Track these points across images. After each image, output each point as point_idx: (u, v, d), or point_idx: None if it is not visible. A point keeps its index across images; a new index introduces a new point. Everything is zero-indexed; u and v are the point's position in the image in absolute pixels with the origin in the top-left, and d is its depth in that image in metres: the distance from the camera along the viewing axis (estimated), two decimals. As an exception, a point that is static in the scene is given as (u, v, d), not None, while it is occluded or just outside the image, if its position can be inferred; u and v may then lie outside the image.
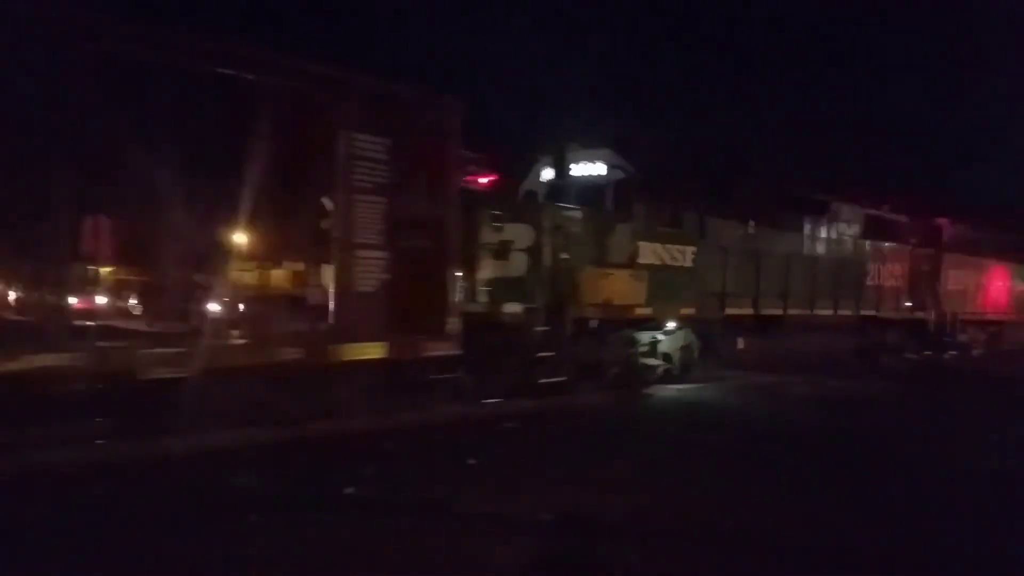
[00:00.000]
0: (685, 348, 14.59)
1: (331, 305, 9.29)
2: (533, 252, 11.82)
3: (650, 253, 13.55)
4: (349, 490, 6.78)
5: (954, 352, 21.84)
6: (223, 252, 9.44)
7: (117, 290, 9.53)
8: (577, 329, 12.40)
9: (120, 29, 7.59)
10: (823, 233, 17.53)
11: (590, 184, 13.85)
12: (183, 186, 8.05)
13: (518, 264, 11.63)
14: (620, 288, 12.98)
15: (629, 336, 13.69)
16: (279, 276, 10.75)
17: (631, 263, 13.21)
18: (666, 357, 14.33)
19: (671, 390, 13.69)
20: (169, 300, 8.81)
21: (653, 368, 14.15)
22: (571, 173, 13.64)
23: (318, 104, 9.31)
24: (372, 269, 9.59)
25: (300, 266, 10.65)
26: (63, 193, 7.14)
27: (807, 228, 17.17)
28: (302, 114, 9.26)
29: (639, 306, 13.31)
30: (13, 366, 6.72)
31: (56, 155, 7.11)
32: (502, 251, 11.42)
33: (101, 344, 7.44)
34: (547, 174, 14.10)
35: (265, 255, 10.55)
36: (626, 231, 13.25)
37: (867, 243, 18.83)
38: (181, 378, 7.67)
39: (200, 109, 8.45)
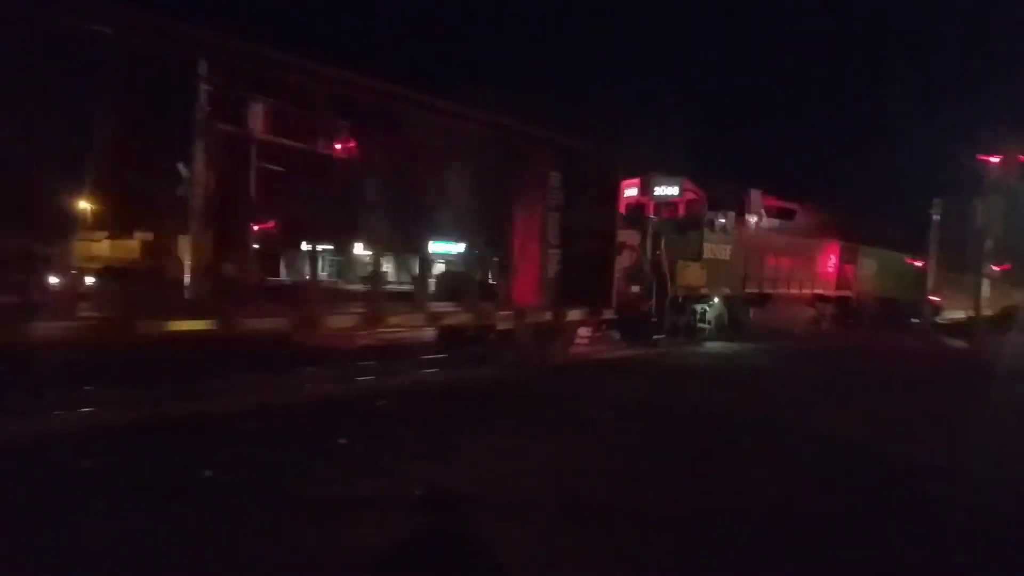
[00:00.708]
0: (718, 316, 20.14)
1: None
2: (641, 250, 17.61)
3: (708, 250, 19.35)
4: (207, 473, 6.33)
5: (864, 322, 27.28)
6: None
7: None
8: (670, 303, 17.94)
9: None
10: (792, 230, 23.93)
11: (667, 201, 19.88)
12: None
13: (632, 258, 17.39)
14: (694, 275, 18.83)
15: (693, 308, 19.40)
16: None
17: (699, 257, 19.06)
18: (709, 323, 19.85)
19: (715, 345, 18.92)
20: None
21: (703, 329, 19.70)
22: (654, 192, 19.61)
23: (524, 151, 13.59)
24: (553, 261, 13.73)
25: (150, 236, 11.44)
26: None
27: (780, 225, 23.48)
28: (512, 156, 13.50)
29: (704, 287, 19.31)
30: None
31: None
32: (621, 249, 16.13)
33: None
34: (630, 192, 19.20)
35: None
36: (696, 235, 19.19)
37: (815, 238, 24.80)
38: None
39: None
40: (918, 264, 31.47)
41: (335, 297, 13.14)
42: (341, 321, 11.40)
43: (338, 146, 15.37)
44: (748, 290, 20.75)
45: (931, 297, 30.81)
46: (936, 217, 30.76)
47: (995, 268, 22.88)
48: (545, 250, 13.54)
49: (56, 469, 6.26)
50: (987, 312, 22.41)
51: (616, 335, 17.10)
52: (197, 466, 6.38)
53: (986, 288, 22.42)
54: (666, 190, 19.56)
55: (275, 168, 18.09)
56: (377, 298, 12.00)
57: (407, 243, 14.57)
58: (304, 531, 5.12)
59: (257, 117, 17.56)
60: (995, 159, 23.40)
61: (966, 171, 23.98)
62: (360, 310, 11.65)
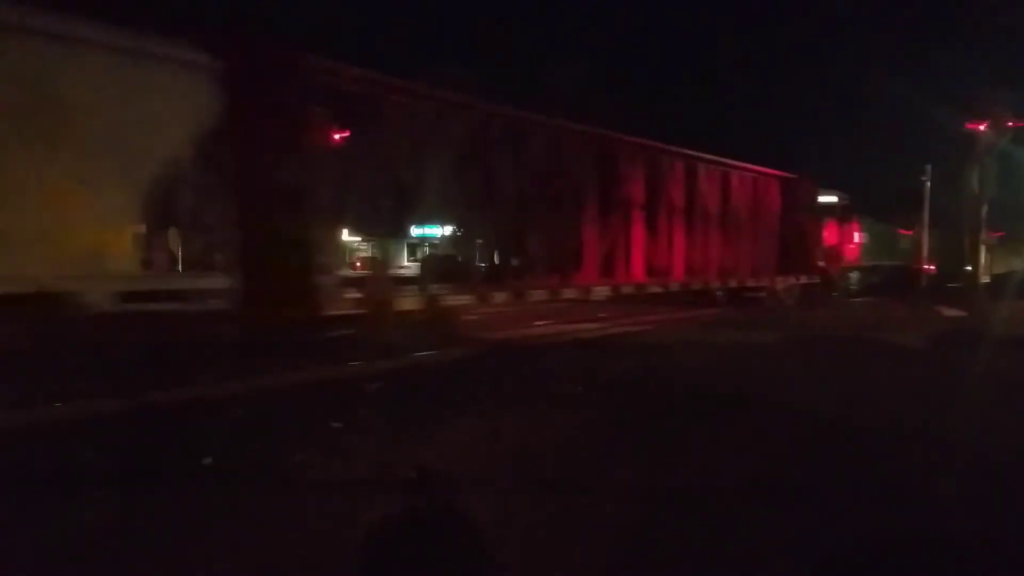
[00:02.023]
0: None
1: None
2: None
3: (859, 236, 29.85)
4: (206, 460, 6.05)
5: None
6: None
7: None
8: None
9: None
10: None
11: (829, 205, 27.02)
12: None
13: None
14: (852, 254, 29.32)
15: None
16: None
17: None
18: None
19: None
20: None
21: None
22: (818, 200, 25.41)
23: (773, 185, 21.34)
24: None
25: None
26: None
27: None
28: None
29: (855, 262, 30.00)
30: None
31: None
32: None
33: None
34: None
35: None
36: (851, 228, 29.00)
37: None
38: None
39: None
40: (908, 233, 31.37)
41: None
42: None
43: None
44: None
45: (925, 266, 30.68)
46: (927, 184, 30.57)
47: (991, 234, 22.65)
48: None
49: (46, 460, 6.12)
50: (984, 279, 22.17)
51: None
52: (189, 454, 6.18)
53: (984, 254, 22.17)
54: (827, 197, 26.94)
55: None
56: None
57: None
58: (297, 514, 5.01)
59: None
60: (983, 126, 23.11)
61: (956, 138, 23.68)
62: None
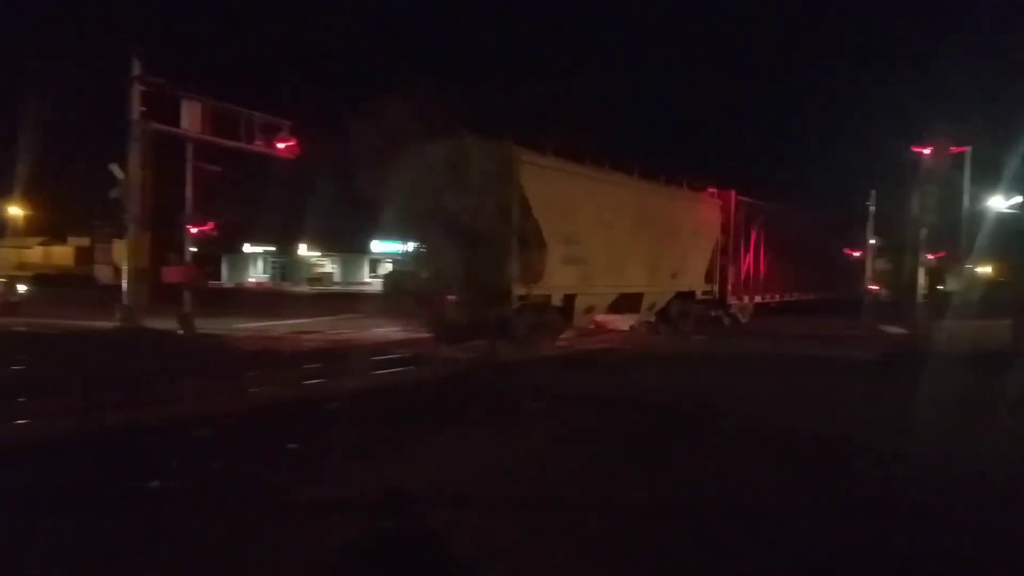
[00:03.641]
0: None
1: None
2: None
3: None
4: (154, 483, 6.10)
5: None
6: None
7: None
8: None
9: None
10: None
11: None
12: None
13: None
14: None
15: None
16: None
17: None
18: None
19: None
20: None
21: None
22: None
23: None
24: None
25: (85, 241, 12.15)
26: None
27: None
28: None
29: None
30: None
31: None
32: None
33: None
34: None
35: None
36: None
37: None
38: None
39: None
40: (856, 254, 32.34)
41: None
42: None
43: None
44: None
45: (870, 286, 31.73)
46: (872, 208, 31.66)
47: (930, 256, 23.54)
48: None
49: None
50: (922, 297, 23.05)
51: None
52: (142, 476, 6.18)
53: (922, 275, 23.03)
54: None
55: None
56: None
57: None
58: (254, 538, 4.98)
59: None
60: (927, 150, 23.99)
61: (901, 163, 24.58)
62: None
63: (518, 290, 14.82)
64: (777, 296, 25.70)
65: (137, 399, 9.53)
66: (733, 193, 22.65)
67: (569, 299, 16.37)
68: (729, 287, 22.52)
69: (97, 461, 6.76)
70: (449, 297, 15.26)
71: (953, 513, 5.64)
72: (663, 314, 20.53)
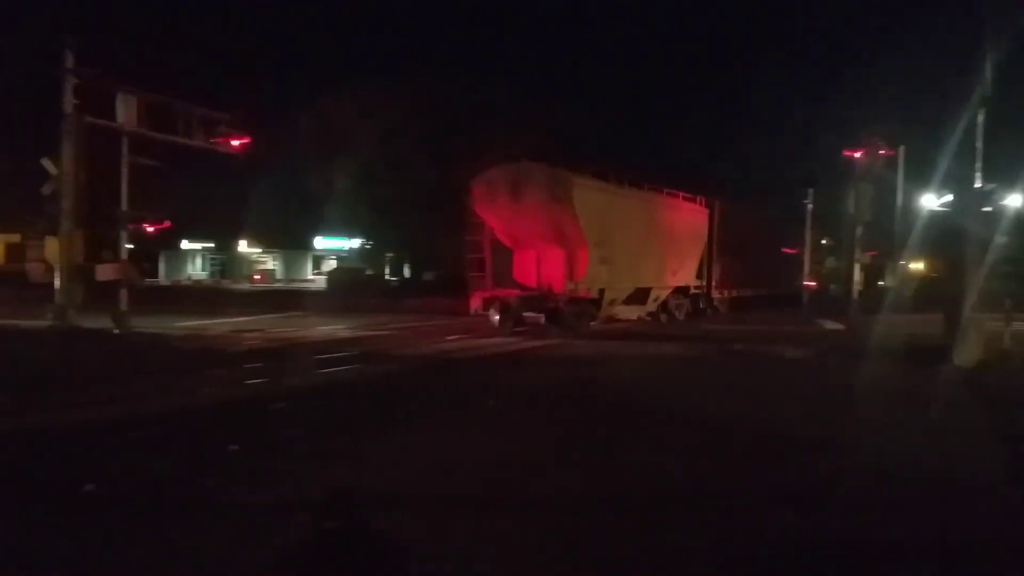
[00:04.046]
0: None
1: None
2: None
3: None
4: (88, 487, 5.89)
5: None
6: None
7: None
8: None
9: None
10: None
11: None
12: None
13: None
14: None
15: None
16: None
17: None
18: None
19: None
20: None
21: None
22: None
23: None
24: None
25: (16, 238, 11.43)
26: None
27: None
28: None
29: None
30: None
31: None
32: None
33: None
34: None
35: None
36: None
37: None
38: None
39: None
40: (793, 252, 33.07)
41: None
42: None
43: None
44: None
45: (807, 283, 32.47)
46: (810, 206, 32.38)
47: (866, 254, 24.20)
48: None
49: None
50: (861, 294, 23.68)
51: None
52: (78, 479, 6.00)
53: (857, 272, 23.65)
54: None
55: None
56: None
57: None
58: (191, 543, 4.87)
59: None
60: (859, 153, 24.66)
61: (839, 161, 25.20)
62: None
63: (568, 285, 18.84)
64: (748, 291, 28.95)
65: (70, 400, 9.28)
66: (718, 202, 26.25)
67: (600, 293, 19.86)
68: (714, 283, 26.43)
69: (26, 465, 6.56)
70: (514, 291, 19.68)
71: (870, 501, 5.79)
72: (663, 305, 24.08)
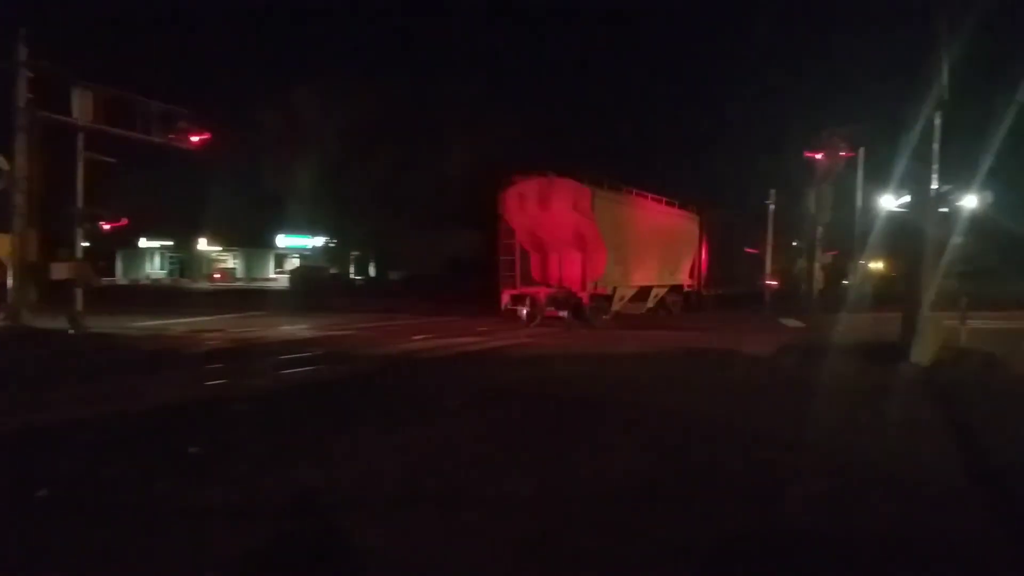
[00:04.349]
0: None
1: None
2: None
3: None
4: (41, 492, 5.71)
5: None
6: None
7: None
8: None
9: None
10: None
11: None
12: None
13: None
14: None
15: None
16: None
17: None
18: None
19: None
20: None
21: None
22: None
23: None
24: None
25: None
26: None
27: None
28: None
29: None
30: None
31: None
32: None
33: None
34: None
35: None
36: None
37: None
38: None
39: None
40: (755, 252, 33.47)
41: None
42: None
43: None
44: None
45: (768, 282, 32.85)
46: (772, 207, 32.75)
47: (827, 253, 24.57)
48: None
49: None
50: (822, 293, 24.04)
51: None
52: (28, 484, 5.85)
53: (818, 271, 24.02)
54: None
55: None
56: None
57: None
58: (149, 547, 4.76)
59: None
60: (819, 155, 25.00)
61: (799, 165, 25.58)
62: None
63: (589, 284, 21.73)
64: (732, 289, 31.83)
65: (23, 401, 9.04)
66: (706, 211, 29.15)
67: (613, 291, 22.52)
68: (702, 281, 29.44)
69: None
70: (542, 289, 22.25)
71: (821, 496, 5.85)
72: (661, 301, 26.67)
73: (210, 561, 4.56)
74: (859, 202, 24.90)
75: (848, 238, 26.11)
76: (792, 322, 23.32)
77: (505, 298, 22.65)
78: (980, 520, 5.45)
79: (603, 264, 21.62)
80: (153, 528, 5.11)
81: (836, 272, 28.31)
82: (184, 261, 68.27)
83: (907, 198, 23.53)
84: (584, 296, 21.52)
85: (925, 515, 5.50)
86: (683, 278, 28.09)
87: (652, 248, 24.87)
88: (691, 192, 32.24)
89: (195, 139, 20.31)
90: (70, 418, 8.33)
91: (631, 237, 23.34)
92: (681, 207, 27.68)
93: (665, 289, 26.67)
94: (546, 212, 21.80)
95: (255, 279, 64.60)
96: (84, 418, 8.34)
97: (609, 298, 22.53)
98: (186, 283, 59.89)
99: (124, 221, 19.66)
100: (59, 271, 18.51)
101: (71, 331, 17.61)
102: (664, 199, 26.30)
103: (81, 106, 18.22)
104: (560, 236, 22.33)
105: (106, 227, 20.43)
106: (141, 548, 4.78)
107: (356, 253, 55.38)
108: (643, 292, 24.94)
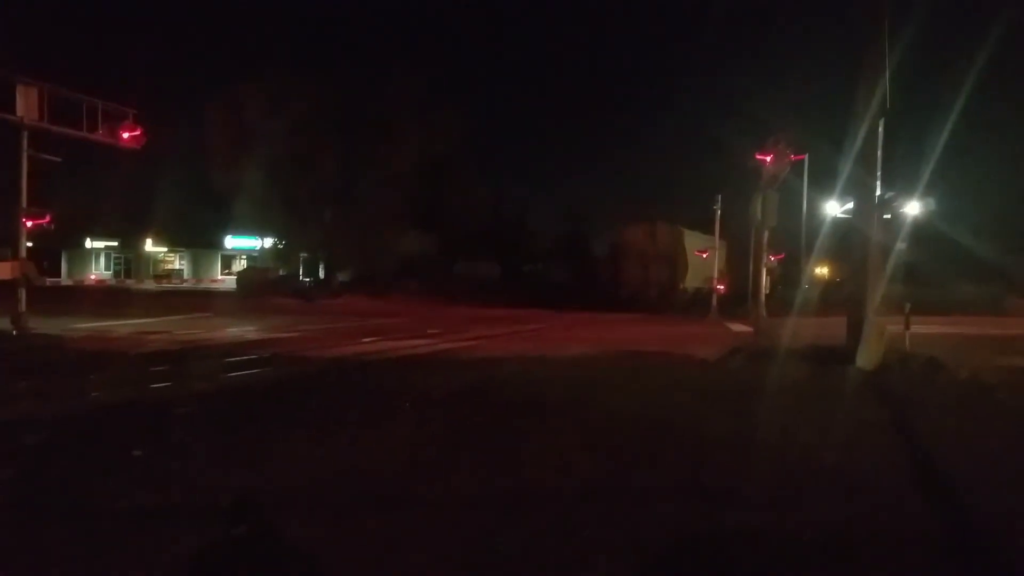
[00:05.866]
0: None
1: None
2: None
3: None
4: None
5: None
6: None
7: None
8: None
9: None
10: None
11: None
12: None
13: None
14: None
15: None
16: None
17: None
18: None
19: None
20: None
21: None
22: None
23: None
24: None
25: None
26: None
27: None
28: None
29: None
30: None
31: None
32: None
33: None
34: None
35: None
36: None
37: None
38: None
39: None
40: (704, 255, 34.07)
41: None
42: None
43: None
44: None
45: (716, 285, 33.40)
46: (718, 211, 33.33)
47: (772, 258, 25.03)
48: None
49: None
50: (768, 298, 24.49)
51: None
52: None
53: (764, 276, 24.48)
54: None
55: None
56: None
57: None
58: (87, 551, 4.68)
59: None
60: (768, 158, 25.46)
61: (747, 169, 25.97)
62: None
63: (680, 285, 39.47)
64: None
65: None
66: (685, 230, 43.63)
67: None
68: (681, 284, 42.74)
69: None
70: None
71: (764, 496, 5.96)
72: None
73: (147, 563, 4.50)
74: (804, 207, 25.47)
75: (792, 246, 26.68)
76: (738, 326, 23.74)
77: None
78: (919, 519, 5.60)
79: (686, 271, 41.17)
80: (92, 530, 5.01)
81: (783, 277, 28.89)
82: (130, 261, 66.86)
83: (851, 204, 24.17)
84: (677, 292, 39.54)
85: (866, 514, 5.64)
86: (700, 281, 40.96)
87: (695, 260, 41.43)
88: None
89: (141, 138, 19.93)
90: (9, 419, 8.15)
91: (692, 255, 41.93)
92: (701, 230, 41.02)
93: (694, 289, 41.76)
94: (653, 242, 43.12)
95: (202, 280, 63.55)
96: (25, 420, 8.16)
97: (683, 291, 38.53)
98: (132, 284, 58.69)
99: (47, 219, 19.10)
100: (2, 271, 18.03)
101: (14, 332, 17.18)
102: (694, 229, 42.93)
103: (26, 103, 17.79)
104: (660, 257, 42.91)
105: (49, 226, 19.94)
106: (79, 550, 4.69)
107: (305, 254, 54.76)
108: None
